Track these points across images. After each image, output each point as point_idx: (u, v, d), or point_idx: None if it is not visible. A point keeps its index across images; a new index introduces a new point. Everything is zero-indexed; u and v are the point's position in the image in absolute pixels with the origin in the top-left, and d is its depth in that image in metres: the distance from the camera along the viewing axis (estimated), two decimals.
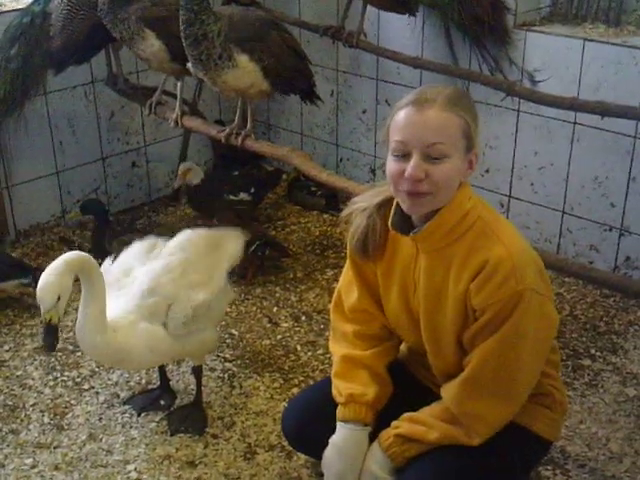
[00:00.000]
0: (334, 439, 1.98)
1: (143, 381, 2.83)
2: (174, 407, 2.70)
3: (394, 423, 1.90)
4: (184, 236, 2.56)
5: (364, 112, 3.95)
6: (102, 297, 2.24)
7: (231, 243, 2.68)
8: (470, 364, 1.81)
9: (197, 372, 2.65)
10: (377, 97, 3.88)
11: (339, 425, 1.98)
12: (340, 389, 2.00)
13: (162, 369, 2.73)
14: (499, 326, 1.75)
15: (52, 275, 2.09)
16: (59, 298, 2.09)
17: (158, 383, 2.77)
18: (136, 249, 2.56)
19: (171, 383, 2.78)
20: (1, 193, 3.61)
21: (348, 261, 2.05)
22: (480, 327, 1.77)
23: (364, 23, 3.52)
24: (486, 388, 1.81)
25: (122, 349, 2.29)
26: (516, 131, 3.44)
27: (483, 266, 1.73)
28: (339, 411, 1.98)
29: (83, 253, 2.22)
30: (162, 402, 2.71)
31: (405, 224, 1.84)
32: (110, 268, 2.49)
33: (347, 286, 2.07)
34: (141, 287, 2.37)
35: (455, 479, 1.85)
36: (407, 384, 2.06)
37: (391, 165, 1.75)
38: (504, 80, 3.26)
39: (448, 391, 1.86)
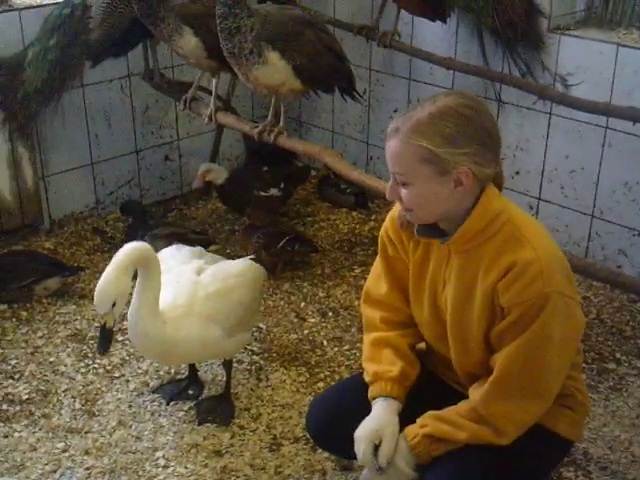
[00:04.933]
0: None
1: (172, 371, 2.88)
2: (202, 397, 2.75)
3: (420, 421, 1.92)
4: (253, 270, 2.65)
5: (395, 111, 3.97)
6: (158, 285, 2.30)
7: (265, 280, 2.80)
8: (497, 365, 1.83)
9: (228, 365, 2.70)
10: (409, 97, 3.90)
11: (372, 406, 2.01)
12: (367, 370, 2.04)
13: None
14: (526, 327, 1.77)
15: (111, 277, 2.15)
16: (115, 304, 2.15)
17: (186, 373, 2.83)
18: (166, 253, 2.66)
19: (199, 374, 2.84)
20: (37, 183, 3.67)
21: (379, 256, 2.08)
22: (507, 326, 1.80)
23: (398, 23, 3.55)
24: (513, 389, 1.83)
25: (172, 341, 2.35)
26: (547, 134, 3.45)
27: (511, 267, 1.76)
28: (369, 393, 2.01)
29: (142, 244, 2.27)
30: (190, 392, 2.77)
31: (434, 227, 1.88)
32: None
33: (376, 280, 2.09)
34: (206, 289, 2.45)
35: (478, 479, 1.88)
36: (428, 382, 2.08)
37: None
38: (536, 83, 3.27)
39: (476, 392, 1.88)
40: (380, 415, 1.95)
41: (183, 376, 2.84)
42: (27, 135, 3.54)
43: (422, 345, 2.13)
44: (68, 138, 3.73)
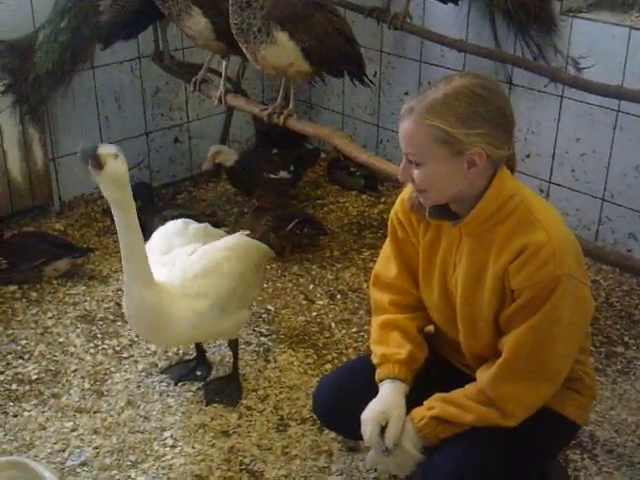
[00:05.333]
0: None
1: (180, 352, 2.90)
2: (210, 378, 2.76)
3: (427, 403, 1.92)
4: (242, 243, 2.62)
5: (406, 94, 3.95)
6: (140, 241, 2.27)
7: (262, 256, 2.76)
8: (505, 348, 1.83)
9: (233, 345, 2.71)
10: (420, 79, 3.88)
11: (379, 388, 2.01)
12: (375, 352, 2.04)
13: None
14: (536, 309, 1.77)
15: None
16: (117, 156, 2.16)
17: (194, 354, 2.84)
18: (171, 228, 2.65)
19: (207, 355, 2.85)
20: (47, 165, 3.68)
21: (388, 239, 2.08)
22: (517, 308, 1.80)
23: (409, 5, 3.53)
24: (522, 371, 1.83)
25: (167, 311, 2.33)
26: (558, 117, 3.43)
27: (523, 249, 1.76)
28: (376, 375, 2.01)
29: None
30: (198, 373, 2.78)
31: (445, 209, 1.87)
32: (152, 241, 2.58)
33: (385, 262, 2.09)
34: (193, 268, 2.43)
35: (484, 462, 1.87)
36: (435, 363, 2.09)
37: None
38: (548, 66, 3.25)
39: (484, 375, 1.88)
40: (387, 397, 1.96)
41: (191, 357, 2.86)
42: (38, 117, 3.56)
43: (430, 328, 2.14)
44: (78, 120, 3.74)
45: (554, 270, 1.74)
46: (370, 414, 1.94)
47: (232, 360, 2.74)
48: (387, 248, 2.10)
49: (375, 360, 2.04)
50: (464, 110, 1.73)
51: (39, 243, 3.31)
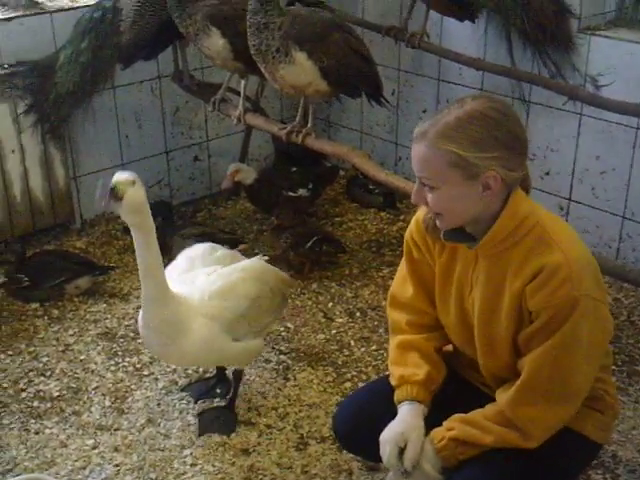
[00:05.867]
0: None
1: (200, 370, 2.91)
2: (204, 408, 2.72)
3: (447, 424, 1.91)
4: (258, 266, 2.63)
5: (424, 112, 3.97)
6: (157, 252, 2.28)
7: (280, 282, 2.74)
8: (525, 369, 1.82)
9: (237, 375, 2.68)
10: (438, 97, 3.90)
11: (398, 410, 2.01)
12: (393, 374, 2.04)
13: None
14: (555, 330, 1.76)
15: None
16: (134, 183, 2.15)
17: (214, 372, 2.84)
18: (197, 251, 2.65)
19: (227, 373, 2.85)
20: (68, 183, 3.72)
21: (404, 259, 2.08)
22: (536, 330, 1.79)
23: (427, 24, 3.55)
24: (541, 393, 1.82)
25: (184, 323, 2.33)
26: (578, 135, 3.42)
27: (540, 271, 1.75)
28: (394, 397, 2.01)
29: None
30: (218, 390, 2.78)
31: (460, 231, 1.87)
32: (177, 261, 2.62)
33: (401, 283, 2.09)
34: (210, 288, 2.43)
35: None
36: (454, 383, 2.08)
37: None
38: (566, 84, 3.25)
39: (502, 396, 1.87)
40: (406, 418, 1.95)
41: (211, 375, 2.86)
42: (59, 136, 3.61)
43: (449, 347, 2.13)
44: (99, 139, 3.78)
45: (571, 291, 1.73)
46: (389, 436, 1.93)
47: (233, 389, 2.70)
48: (403, 268, 2.10)
49: (393, 382, 2.03)
50: (478, 134, 1.73)
51: (61, 261, 3.34)
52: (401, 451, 1.91)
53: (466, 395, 2.02)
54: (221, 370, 2.83)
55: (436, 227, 1.90)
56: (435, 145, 1.73)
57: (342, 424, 2.15)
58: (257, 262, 2.66)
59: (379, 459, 1.96)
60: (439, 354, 2.07)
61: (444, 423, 1.91)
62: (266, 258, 2.76)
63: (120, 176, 2.18)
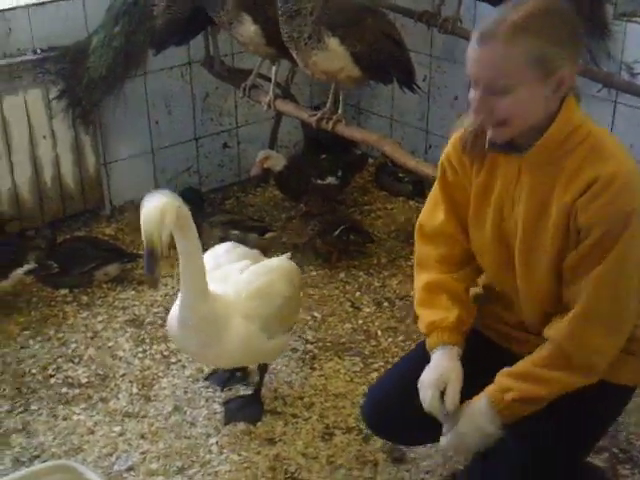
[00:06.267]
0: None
1: None
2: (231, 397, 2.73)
3: (500, 384, 1.82)
4: (289, 267, 2.63)
5: (456, 99, 3.92)
6: (199, 253, 2.24)
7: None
8: (582, 297, 1.73)
9: (263, 369, 2.68)
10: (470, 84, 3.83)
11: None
12: (422, 319, 1.97)
13: None
14: (606, 251, 1.68)
15: (158, 205, 2.08)
16: (163, 224, 2.07)
17: None
18: (220, 249, 2.64)
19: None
20: (98, 169, 3.74)
21: (436, 184, 1.99)
22: (586, 250, 1.70)
23: (460, 9, 3.49)
24: (600, 320, 1.74)
25: (222, 322, 2.30)
26: (612, 122, 3.35)
27: (593, 182, 1.66)
28: (426, 344, 1.95)
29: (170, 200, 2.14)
30: (238, 374, 2.78)
31: (507, 142, 1.78)
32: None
33: (431, 210, 2.00)
34: (248, 288, 2.41)
35: (553, 439, 1.82)
36: (483, 349, 1.99)
37: (470, 94, 1.72)
38: (601, 71, 3.18)
39: (559, 329, 1.77)
40: (442, 362, 1.90)
41: None
42: (90, 122, 3.61)
43: (476, 289, 2.04)
44: (129, 125, 3.78)
45: (625, 206, 1.65)
46: (427, 380, 1.88)
47: (259, 379, 2.70)
48: (435, 194, 2.00)
49: (423, 329, 1.96)
50: (555, 28, 1.65)
51: (90, 248, 3.36)
52: (441, 395, 1.86)
53: (497, 361, 1.92)
54: None
55: (476, 144, 1.80)
56: (512, 42, 1.62)
57: (371, 410, 2.12)
58: (287, 261, 2.66)
59: (409, 442, 1.93)
60: (468, 294, 1.99)
61: (496, 383, 1.84)
62: (290, 257, 2.75)
63: (166, 201, 2.13)
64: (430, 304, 1.97)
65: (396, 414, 2.00)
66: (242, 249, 2.67)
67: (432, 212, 2.00)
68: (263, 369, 2.69)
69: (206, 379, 2.80)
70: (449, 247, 1.98)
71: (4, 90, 3.38)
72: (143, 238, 2.08)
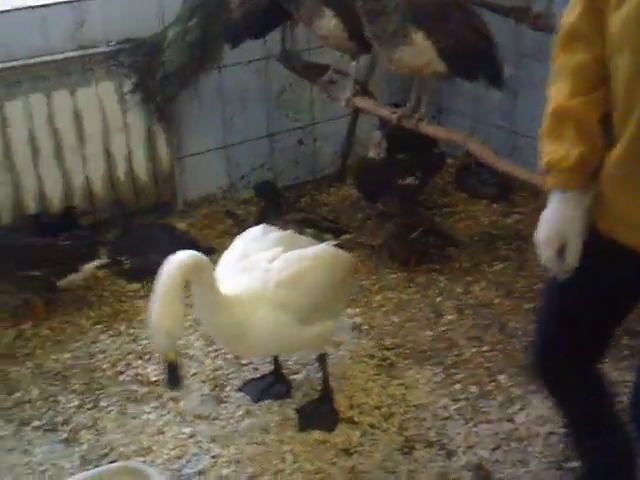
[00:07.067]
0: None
1: (302, 360, 2.78)
2: (303, 403, 2.61)
3: None
4: (329, 254, 2.49)
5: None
6: (214, 283, 2.20)
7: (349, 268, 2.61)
8: None
9: (322, 360, 2.55)
10: None
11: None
12: (543, 152, 1.76)
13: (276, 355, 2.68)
14: None
15: (163, 313, 2.02)
16: (173, 338, 2.04)
17: (272, 368, 2.72)
18: (250, 234, 2.53)
19: (300, 375, 2.73)
20: (172, 164, 3.67)
21: None
22: None
23: (551, 4, 3.31)
24: None
25: (243, 326, 2.23)
26: None
27: None
28: (547, 182, 1.76)
29: (184, 257, 2.13)
30: (279, 389, 2.65)
31: None
32: (233, 247, 2.49)
33: (572, 7, 1.76)
34: (278, 276, 2.30)
35: None
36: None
37: None
38: None
39: None
40: (560, 213, 1.72)
41: (268, 371, 2.73)
42: (164, 116, 3.55)
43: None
44: (203, 120, 3.71)
45: None
46: (546, 235, 1.72)
47: (322, 375, 2.57)
48: None
49: (542, 163, 1.75)
50: None
51: (166, 236, 3.27)
52: (561, 249, 1.71)
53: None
54: (278, 367, 2.69)
55: None
56: None
57: (536, 358, 1.97)
58: (328, 249, 2.51)
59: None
60: (599, 125, 1.75)
61: None
62: (334, 243, 2.64)
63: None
64: (554, 134, 1.75)
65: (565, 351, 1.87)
66: (275, 234, 2.52)
67: (571, 10, 1.77)
68: (323, 363, 2.55)
69: (240, 390, 2.66)
70: (583, 53, 1.75)
71: (77, 82, 3.34)
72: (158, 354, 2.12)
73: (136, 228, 3.41)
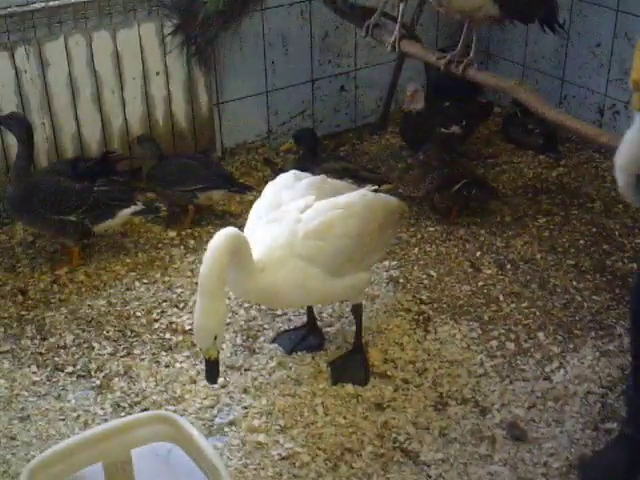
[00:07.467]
0: None
1: (336, 312, 2.74)
2: (334, 357, 2.57)
3: None
4: (365, 202, 2.37)
5: (598, 45, 3.57)
6: (250, 258, 2.15)
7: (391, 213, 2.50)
8: None
9: (357, 311, 2.49)
10: (615, 30, 3.48)
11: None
12: (633, 68, 1.67)
13: (310, 307, 2.63)
14: None
15: (208, 312, 1.99)
16: (216, 337, 2.00)
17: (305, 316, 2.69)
18: (281, 182, 2.45)
19: (333, 328, 2.69)
20: (211, 109, 3.61)
21: None
22: None
23: None
24: None
25: (270, 288, 2.20)
26: None
27: None
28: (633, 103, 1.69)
29: (229, 234, 2.06)
30: (312, 341, 2.62)
31: None
32: (264, 196, 2.43)
33: None
34: (306, 227, 2.23)
35: None
36: None
37: None
38: None
39: None
40: None
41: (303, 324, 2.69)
42: (204, 59, 3.48)
43: None
44: (244, 64, 3.63)
45: None
46: (625, 158, 1.65)
47: (356, 326, 2.52)
48: None
49: (631, 79, 1.67)
50: None
51: (201, 169, 3.23)
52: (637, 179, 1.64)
53: None
54: (311, 319, 2.65)
55: None
56: None
57: None
58: (363, 196, 2.39)
59: None
60: None
61: None
62: (374, 188, 2.52)
63: None
64: None
65: None
66: (306, 180, 2.44)
67: None
68: (357, 314, 2.49)
69: (273, 341, 2.63)
70: None
71: (119, 23, 3.28)
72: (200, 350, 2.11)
73: (170, 157, 3.36)
